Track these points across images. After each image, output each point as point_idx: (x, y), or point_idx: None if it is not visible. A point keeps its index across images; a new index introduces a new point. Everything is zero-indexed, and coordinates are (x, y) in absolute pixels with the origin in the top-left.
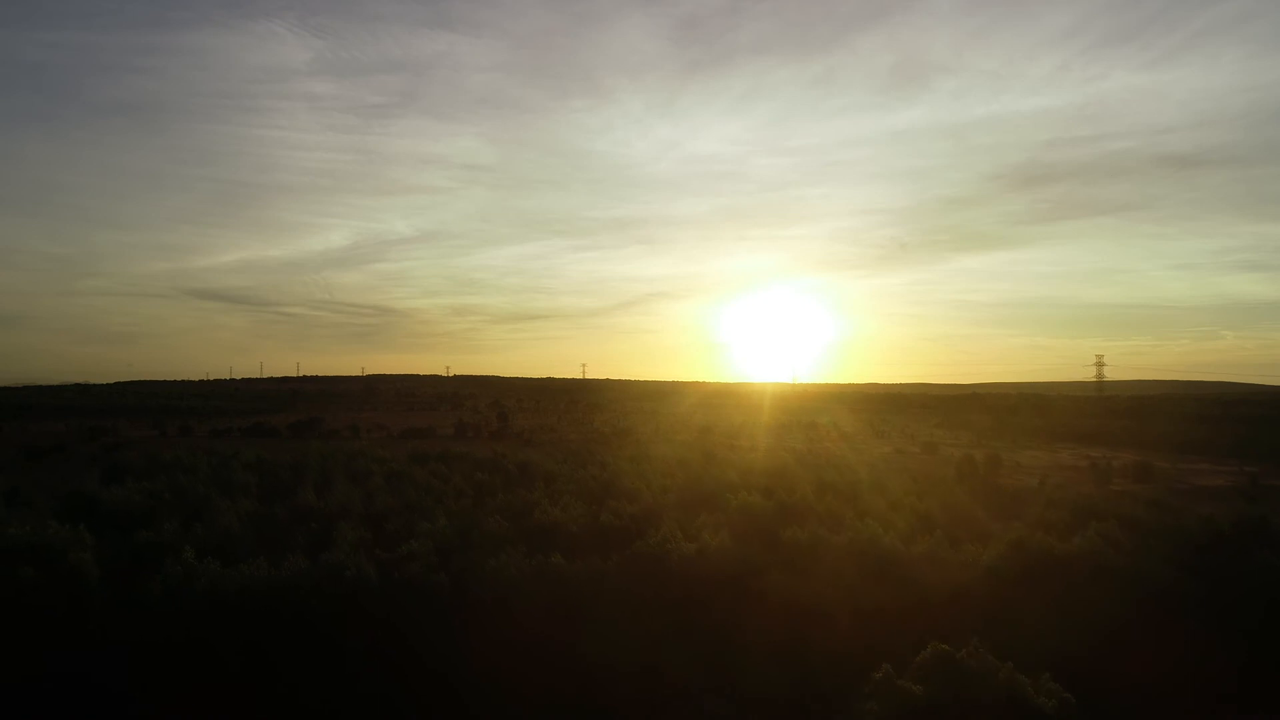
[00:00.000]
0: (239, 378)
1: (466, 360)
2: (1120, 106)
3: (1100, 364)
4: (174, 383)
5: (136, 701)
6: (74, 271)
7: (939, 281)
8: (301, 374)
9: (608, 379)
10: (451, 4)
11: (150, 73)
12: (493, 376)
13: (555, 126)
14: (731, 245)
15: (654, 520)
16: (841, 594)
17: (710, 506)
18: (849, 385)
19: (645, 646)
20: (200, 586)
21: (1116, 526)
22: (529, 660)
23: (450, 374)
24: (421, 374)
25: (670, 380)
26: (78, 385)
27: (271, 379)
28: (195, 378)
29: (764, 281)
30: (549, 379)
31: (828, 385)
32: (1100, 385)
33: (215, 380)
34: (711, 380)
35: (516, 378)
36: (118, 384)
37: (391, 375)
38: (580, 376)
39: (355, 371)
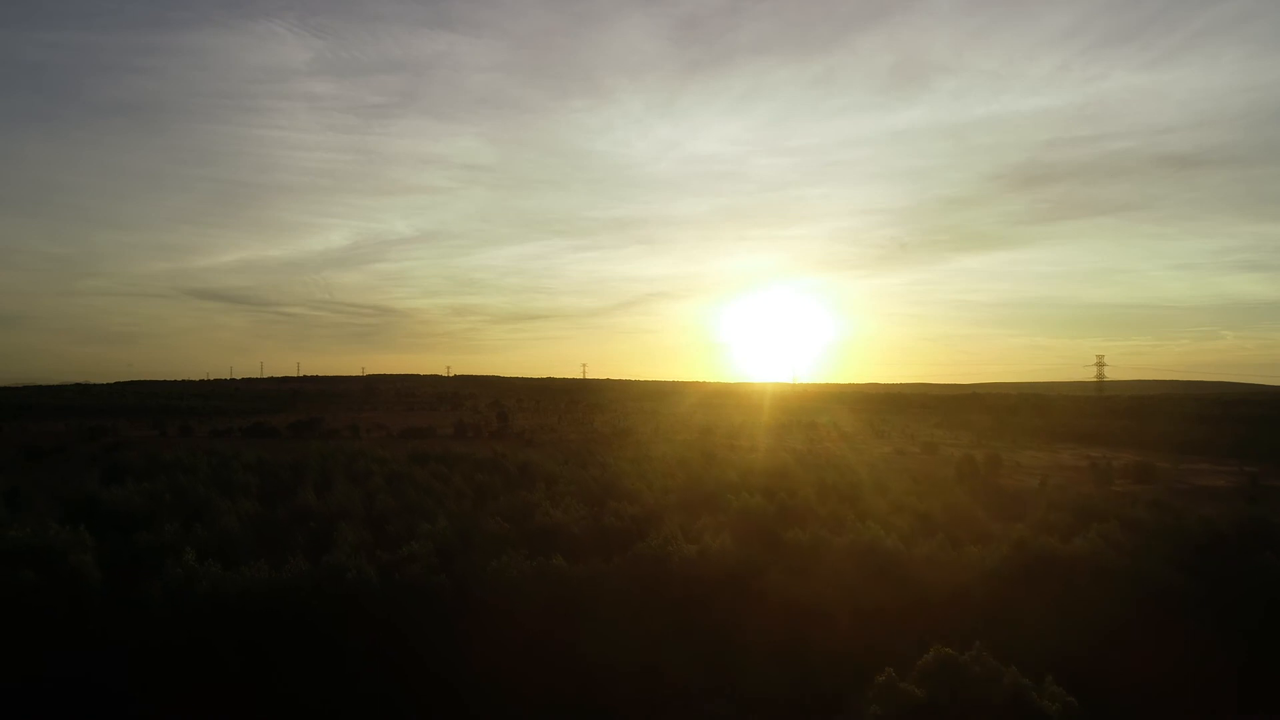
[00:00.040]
0: (239, 378)
1: (466, 360)
2: (1120, 106)
3: (1100, 364)
4: (174, 383)
5: (136, 702)
6: (74, 271)
7: (939, 281)
8: (301, 374)
9: (608, 379)
10: (451, 4)
11: (150, 73)
12: (493, 376)
13: (555, 126)
14: (731, 245)
15: (655, 522)
16: (841, 594)
17: (711, 507)
18: (849, 385)
19: (645, 646)
20: (201, 589)
21: (1118, 527)
22: (529, 660)
23: (450, 374)
24: (421, 374)
25: (670, 380)
26: (78, 385)
27: (271, 379)
28: (195, 378)
29: (764, 281)
30: (549, 379)
31: (828, 385)
32: (1100, 385)
33: (215, 380)
34: (711, 380)
35: (516, 378)
36: (118, 384)
37: (391, 375)
38: (580, 376)
39: (355, 371)
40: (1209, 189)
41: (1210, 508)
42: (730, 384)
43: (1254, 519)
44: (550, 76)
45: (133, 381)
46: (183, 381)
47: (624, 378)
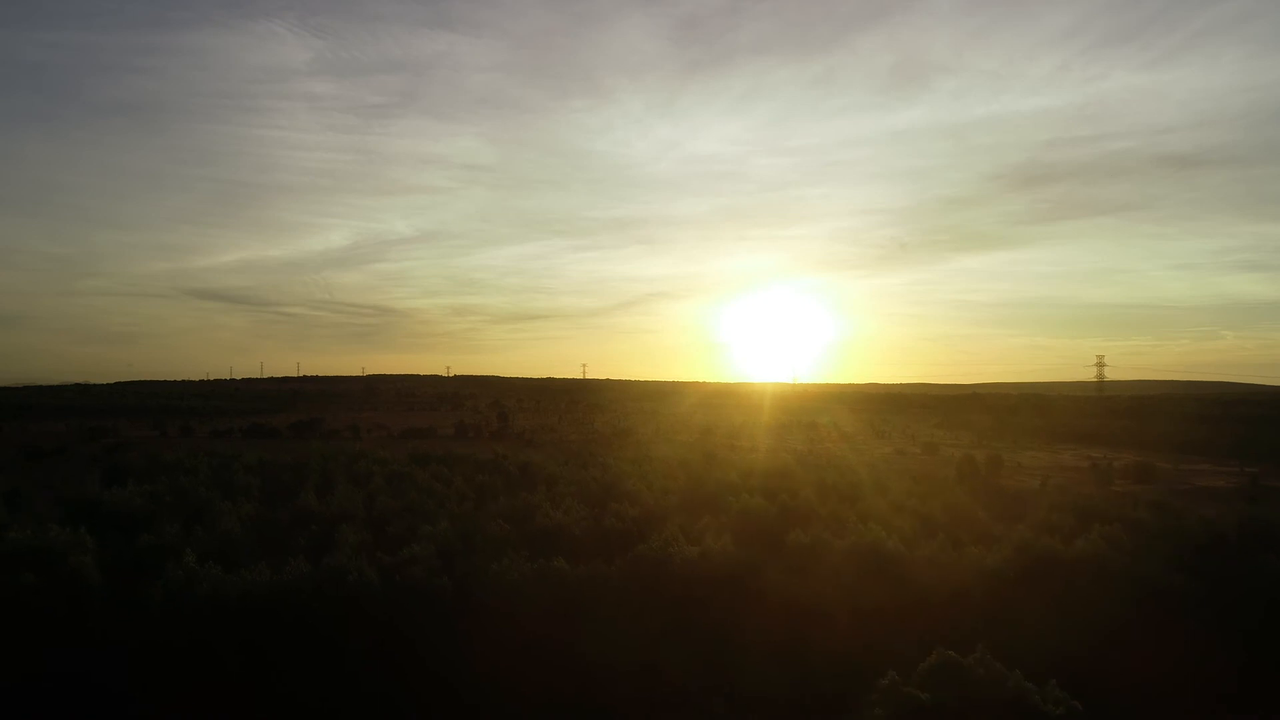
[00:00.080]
0: (239, 378)
1: (466, 360)
2: (1120, 106)
3: (1100, 364)
4: (174, 383)
5: (136, 701)
6: (74, 271)
7: (939, 281)
8: (301, 374)
9: (608, 379)
10: (451, 4)
11: (150, 73)
12: (493, 376)
13: (555, 126)
14: (731, 245)
15: (656, 523)
16: (840, 593)
17: (712, 508)
18: (849, 385)
19: (644, 645)
20: (202, 591)
21: (1121, 529)
22: (528, 659)
23: (450, 374)
24: (421, 374)
25: (670, 380)
26: (78, 385)
27: (272, 379)
28: (195, 378)
29: (764, 281)
30: (549, 379)
31: (828, 385)
32: (1100, 385)
33: (215, 380)
34: (711, 380)
35: (517, 378)
36: (118, 384)
37: (391, 375)
38: (580, 376)
39: (355, 371)
40: (1209, 189)
41: (1211, 508)
42: (730, 384)
43: (1254, 520)
44: (550, 76)
45: (133, 381)
46: (183, 381)
47: (624, 378)
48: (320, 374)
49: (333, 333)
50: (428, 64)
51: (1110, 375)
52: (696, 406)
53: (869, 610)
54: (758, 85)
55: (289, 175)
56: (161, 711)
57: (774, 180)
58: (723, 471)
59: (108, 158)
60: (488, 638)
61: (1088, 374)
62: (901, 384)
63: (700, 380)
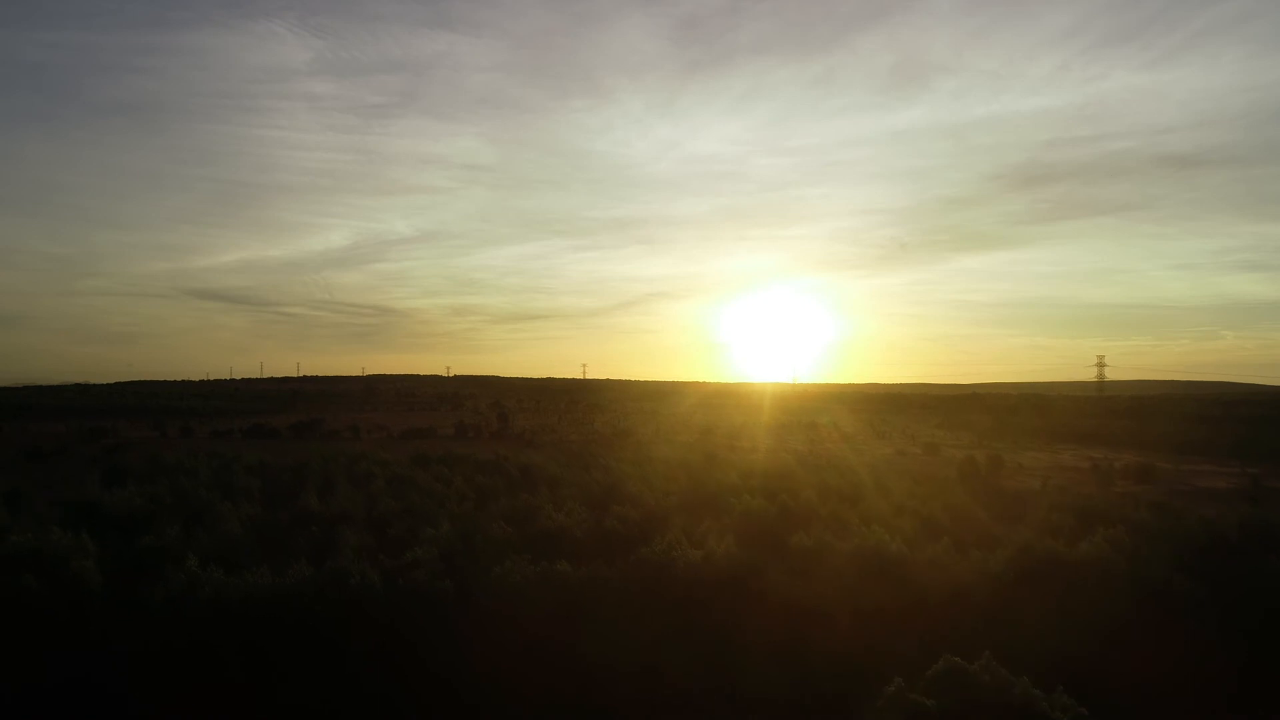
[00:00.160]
0: (239, 378)
1: (466, 360)
2: (1120, 106)
3: (1100, 364)
4: (174, 383)
5: (136, 702)
6: (74, 271)
7: (939, 281)
8: (301, 374)
9: (608, 379)
10: (451, 4)
11: (150, 73)
12: (493, 377)
13: (555, 126)
14: (731, 245)
15: (658, 525)
16: (842, 595)
17: (713, 509)
18: (849, 385)
19: (645, 647)
20: (204, 594)
21: (1122, 530)
22: (529, 661)
23: (450, 374)
24: (422, 374)
25: (670, 380)
26: (78, 385)
27: (272, 379)
28: (195, 378)
29: (764, 281)
30: (549, 379)
31: (828, 385)
32: (1101, 385)
33: (215, 380)
34: (712, 380)
35: (517, 378)
36: (118, 384)
37: (391, 375)
38: (580, 377)
39: (355, 371)
40: (1209, 189)
41: (1211, 509)
42: (730, 384)
43: (1256, 520)
44: (550, 76)
45: (133, 382)
46: (183, 382)
47: (624, 378)
48: (320, 374)
49: (333, 333)
50: (428, 64)
51: (1110, 375)
52: (696, 407)
53: (870, 611)
54: (758, 85)
55: (289, 175)
56: (162, 714)
57: (774, 180)
58: (723, 472)
59: (108, 158)
60: (489, 640)
61: (1088, 374)
62: (901, 384)
63: (700, 380)
